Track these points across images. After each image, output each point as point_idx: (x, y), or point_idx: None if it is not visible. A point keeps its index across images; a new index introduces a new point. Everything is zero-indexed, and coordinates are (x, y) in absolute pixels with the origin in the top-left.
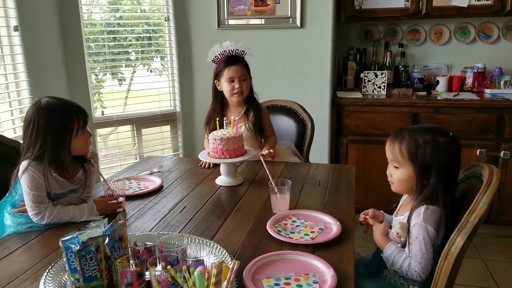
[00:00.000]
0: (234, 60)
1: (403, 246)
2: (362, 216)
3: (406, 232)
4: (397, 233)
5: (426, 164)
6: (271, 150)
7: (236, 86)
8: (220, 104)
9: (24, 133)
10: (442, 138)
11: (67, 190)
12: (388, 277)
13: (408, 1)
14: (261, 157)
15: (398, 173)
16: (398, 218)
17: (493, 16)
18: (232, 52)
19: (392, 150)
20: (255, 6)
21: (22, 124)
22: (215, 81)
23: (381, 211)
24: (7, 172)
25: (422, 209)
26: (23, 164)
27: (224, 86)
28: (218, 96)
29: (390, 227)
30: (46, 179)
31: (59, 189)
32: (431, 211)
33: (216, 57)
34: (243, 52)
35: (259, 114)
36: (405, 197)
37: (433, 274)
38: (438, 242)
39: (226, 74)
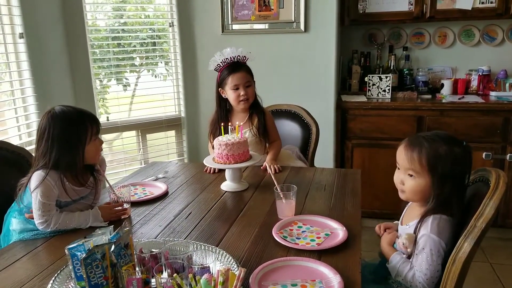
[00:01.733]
0: (237, 67)
1: (409, 256)
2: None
3: (413, 243)
4: (403, 244)
5: (445, 176)
6: (278, 166)
7: (242, 93)
8: (225, 111)
9: (38, 141)
10: (458, 148)
11: (77, 198)
12: (395, 285)
13: (412, 5)
14: (267, 165)
15: (412, 183)
16: (404, 227)
17: (498, 19)
18: (234, 58)
19: (409, 159)
20: (259, 11)
21: (27, 130)
22: (219, 89)
23: (395, 221)
24: (13, 178)
25: (430, 219)
26: (38, 173)
27: (229, 94)
28: (223, 103)
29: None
30: (61, 187)
31: (74, 195)
32: (440, 221)
33: (218, 65)
34: (244, 58)
35: (263, 119)
36: (409, 203)
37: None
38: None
39: (231, 81)
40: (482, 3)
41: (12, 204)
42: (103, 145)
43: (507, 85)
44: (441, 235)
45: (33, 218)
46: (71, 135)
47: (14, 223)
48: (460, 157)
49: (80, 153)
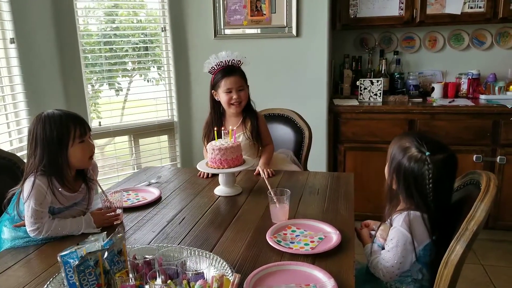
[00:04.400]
0: (231, 70)
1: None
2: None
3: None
4: (380, 235)
5: (392, 166)
6: (271, 170)
7: (234, 97)
8: (218, 114)
9: (27, 146)
10: (415, 151)
11: (70, 204)
12: (388, 284)
13: (402, 10)
14: (259, 169)
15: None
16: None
17: (486, 23)
18: (229, 62)
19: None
20: (251, 15)
21: (18, 136)
22: (212, 91)
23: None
24: (4, 185)
25: (404, 215)
26: (30, 180)
27: (222, 97)
28: (216, 106)
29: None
30: (52, 193)
31: (66, 202)
32: (412, 217)
33: (213, 67)
34: (239, 62)
35: (256, 122)
36: None
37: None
38: (420, 248)
39: (224, 85)
40: (471, 8)
41: (4, 213)
42: (96, 151)
43: (497, 88)
44: (410, 229)
45: (20, 226)
46: (52, 137)
47: (5, 231)
48: (407, 158)
49: (63, 156)
